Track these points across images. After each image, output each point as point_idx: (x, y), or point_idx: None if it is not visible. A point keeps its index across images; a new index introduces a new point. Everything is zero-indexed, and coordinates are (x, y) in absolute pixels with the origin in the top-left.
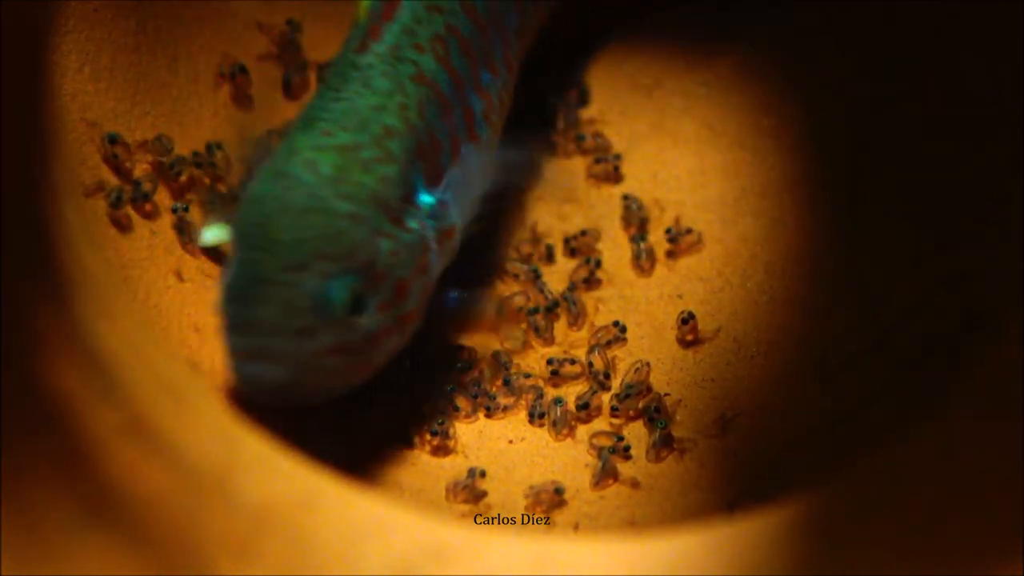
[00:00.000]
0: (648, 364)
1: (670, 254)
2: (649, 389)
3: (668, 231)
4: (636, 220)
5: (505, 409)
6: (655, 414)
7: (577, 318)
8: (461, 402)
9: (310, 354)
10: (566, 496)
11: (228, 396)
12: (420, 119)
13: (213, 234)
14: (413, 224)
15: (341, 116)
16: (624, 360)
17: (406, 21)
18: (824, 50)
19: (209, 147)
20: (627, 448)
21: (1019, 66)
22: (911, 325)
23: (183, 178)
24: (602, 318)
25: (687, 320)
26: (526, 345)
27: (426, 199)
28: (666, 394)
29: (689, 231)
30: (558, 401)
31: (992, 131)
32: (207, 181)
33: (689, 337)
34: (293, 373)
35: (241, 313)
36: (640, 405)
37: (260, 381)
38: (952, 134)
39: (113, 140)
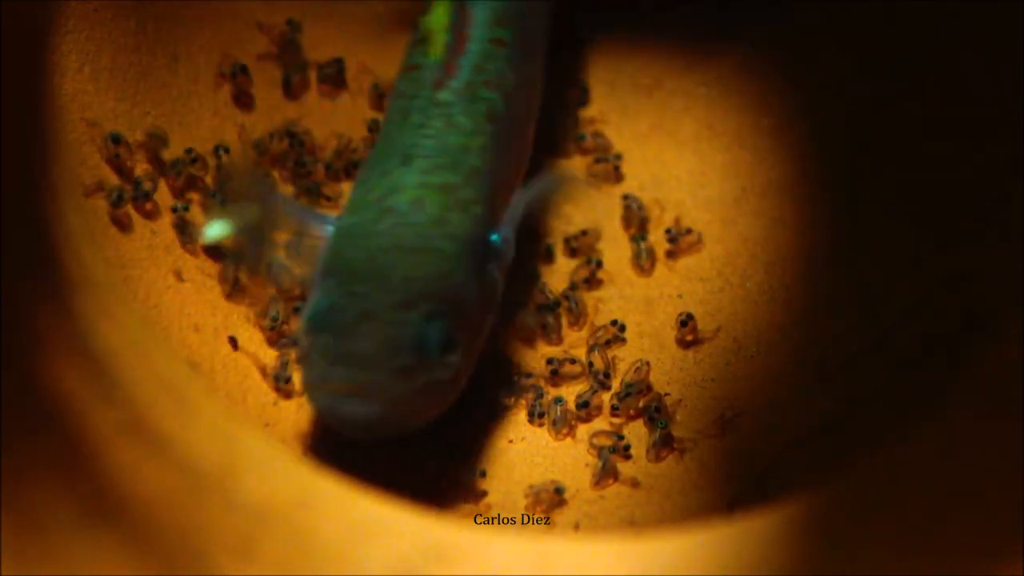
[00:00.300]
0: (648, 364)
1: (670, 254)
2: (649, 388)
3: (668, 231)
4: (636, 220)
5: (505, 408)
6: (655, 414)
7: (577, 318)
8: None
9: (406, 392)
10: (566, 496)
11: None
12: (494, 159)
13: (216, 230)
14: (491, 264)
15: (434, 153)
16: (624, 360)
17: (476, 58)
18: (824, 50)
19: (216, 149)
20: (627, 447)
21: (1019, 66)
22: (911, 325)
23: (182, 179)
24: (602, 318)
25: (686, 322)
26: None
27: (494, 238)
28: (666, 394)
29: (689, 231)
30: (558, 401)
31: (992, 131)
32: (208, 180)
33: (689, 338)
34: (387, 410)
35: (341, 346)
36: (640, 404)
37: (352, 416)
38: (952, 134)
39: (116, 140)
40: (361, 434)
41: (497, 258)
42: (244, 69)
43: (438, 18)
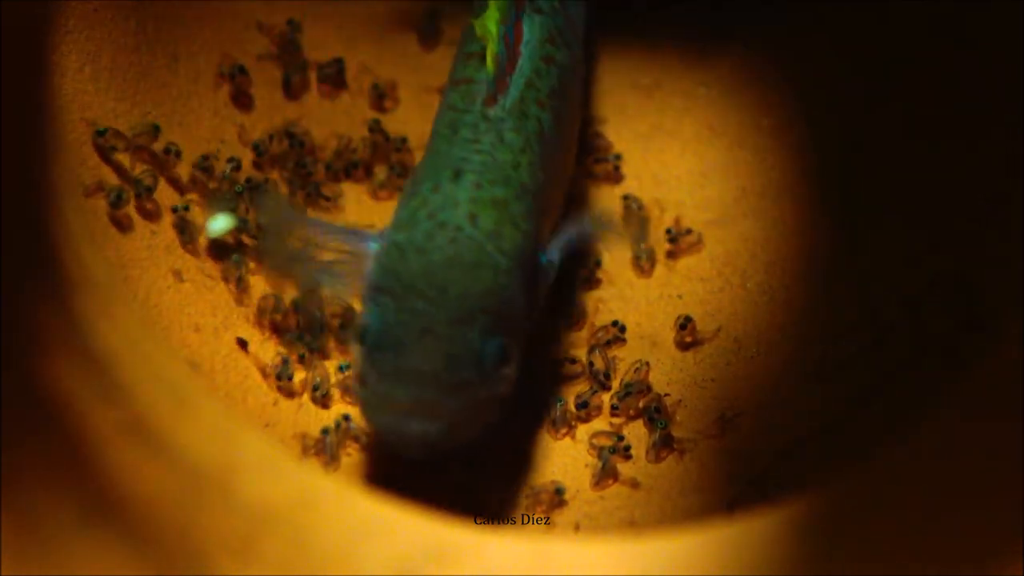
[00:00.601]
0: (648, 364)
1: (670, 254)
2: (649, 389)
3: (668, 231)
4: (636, 220)
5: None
6: (655, 414)
7: (578, 318)
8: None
9: (465, 408)
10: (566, 496)
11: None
12: (542, 176)
13: (220, 224)
14: (538, 281)
15: (485, 169)
16: (624, 360)
17: (528, 73)
18: (821, 50)
19: (230, 160)
20: (627, 448)
21: (1014, 66)
22: (910, 325)
23: (180, 169)
24: (602, 318)
25: (684, 325)
26: None
27: (542, 257)
28: (666, 395)
29: (689, 231)
30: (558, 400)
31: (989, 130)
32: (211, 184)
33: (688, 340)
34: (446, 426)
35: (402, 364)
36: (640, 404)
37: (415, 434)
38: (950, 133)
39: (101, 133)
40: (422, 452)
41: (543, 275)
42: (243, 69)
43: (492, 29)
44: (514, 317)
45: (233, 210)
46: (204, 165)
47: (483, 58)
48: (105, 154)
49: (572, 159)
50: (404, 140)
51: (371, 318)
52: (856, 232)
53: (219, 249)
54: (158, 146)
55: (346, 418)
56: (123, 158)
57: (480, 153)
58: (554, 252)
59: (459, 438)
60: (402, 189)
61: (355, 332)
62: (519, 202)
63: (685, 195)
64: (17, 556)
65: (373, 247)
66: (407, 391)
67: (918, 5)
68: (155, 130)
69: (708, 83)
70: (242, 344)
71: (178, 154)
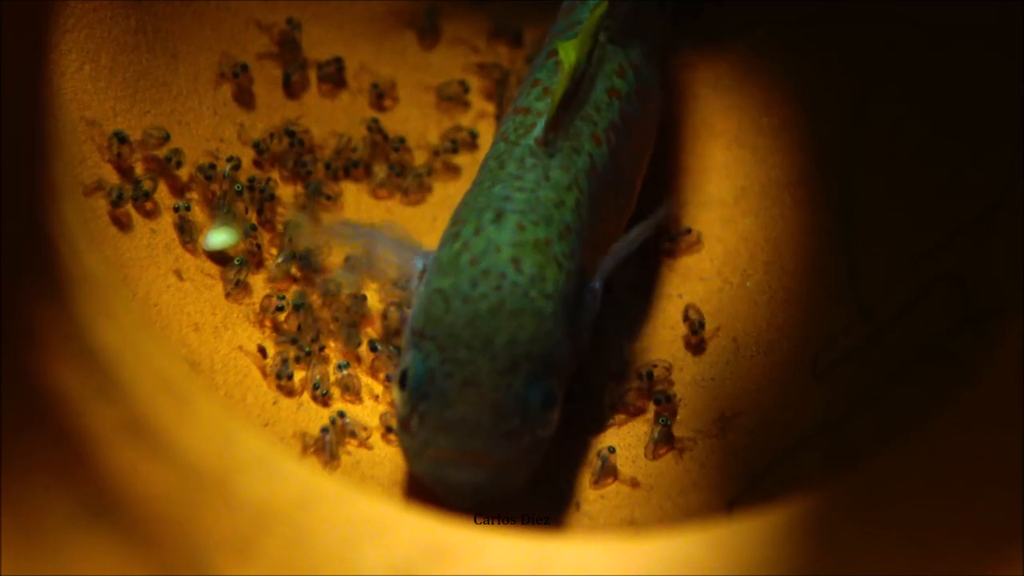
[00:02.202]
0: (669, 365)
1: (669, 253)
2: (665, 381)
3: (668, 231)
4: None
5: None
6: (664, 401)
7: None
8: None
9: (512, 456)
10: (566, 495)
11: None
12: (589, 214)
13: (218, 238)
14: (582, 319)
15: (528, 208)
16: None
17: (588, 107)
18: (823, 49)
19: (229, 159)
20: (612, 449)
21: (1015, 65)
22: (910, 324)
23: (181, 171)
24: None
25: (696, 330)
26: None
27: (587, 293)
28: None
29: (689, 230)
30: (609, 450)
31: (991, 130)
32: (215, 189)
33: (693, 340)
34: (494, 476)
35: (445, 413)
36: (655, 388)
37: (459, 483)
38: (951, 133)
39: (122, 139)
40: (468, 501)
41: (588, 309)
42: (245, 68)
43: (572, 58)
44: (559, 358)
45: (234, 219)
46: (208, 173)
47: (547, 88)
48: (114, 160)
49: (635, 192)
50: (403, 140)
51: (415, 363)
52: (855, 231)
53: (216, 256)
54: (161, 152)
55: (341, 415)
56: (133, 163)
57: (523, 191)
58: (599, 282)
59: (507, 486)
60: (448, 223)
61: (396, 376)
62: (562, 242)
63: (685, 194)
64: (16, 555)
65: (419, 265)
66: (451, 440)
67: (925, 4)
68: (166, 138)
69: (708, 82)
70: (262, 352)
71: (179, 164)
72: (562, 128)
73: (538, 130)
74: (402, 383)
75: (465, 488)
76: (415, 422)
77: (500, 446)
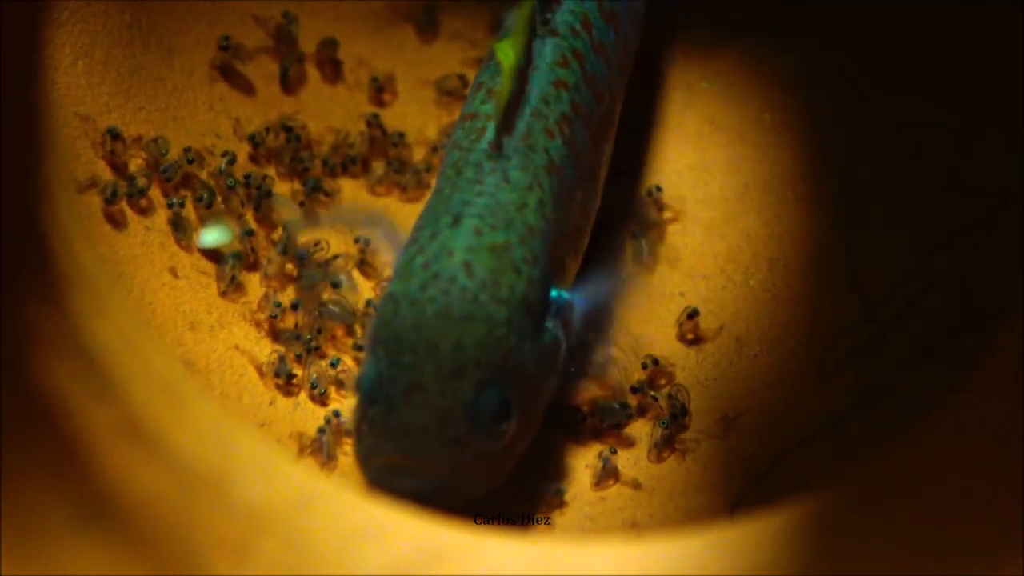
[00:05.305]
0: (687, 389)
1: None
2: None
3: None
4: (654, 218)
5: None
6: (675, 400)
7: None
8: None
9: (457, 464)
10: (566, 497)
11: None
12: (554, 213)
13: (212, 236)
14: (549, 324)
15: (487, 212)
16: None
17: (535, 102)
18: (827, 45)
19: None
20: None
21: (1015, 64)
22: (912, 324)
23: (177, 178)
24: None
25: (691, 316)
26: None
27: (555, 294)
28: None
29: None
30: (611, 451)
31: (993, 129)
32: (204, 177)
33: (690, 336)
34: (438, 483)
35: (390, 418)
36: (666, 391)
37: (402, 489)
38: (953, 132)
39: (116, 136)
40: (412, 503)
41: (559, 315)
42: (230, 47)
43: (511, 56)
44: (517, 367)
45: (229, 216)
46: (191, 159)
47: (491, 91)
48: (108, 157)
49: (598, 184)
50: (402, 135)
51: (367, 369)
52: (859, 229)
53: (211, 254)
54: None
55: (336, 414)
56: (127, 159)
57: (482, 195)
58: (576, 297)
59: (459, 495)
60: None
61: (355, 381)
62: (523, 246)
63: (687, 191)
64: (14, 556)
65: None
66: (396, 445)
67: (926, 6)
68: (164, 153)
69: (710, 78)
70: (281, 359)
71: (191, 161)
72: (513, 128)
73: (490, 134)
74: (356, 388)
75: (409, 495)
76: (364, 427)
77: (446, 453)
